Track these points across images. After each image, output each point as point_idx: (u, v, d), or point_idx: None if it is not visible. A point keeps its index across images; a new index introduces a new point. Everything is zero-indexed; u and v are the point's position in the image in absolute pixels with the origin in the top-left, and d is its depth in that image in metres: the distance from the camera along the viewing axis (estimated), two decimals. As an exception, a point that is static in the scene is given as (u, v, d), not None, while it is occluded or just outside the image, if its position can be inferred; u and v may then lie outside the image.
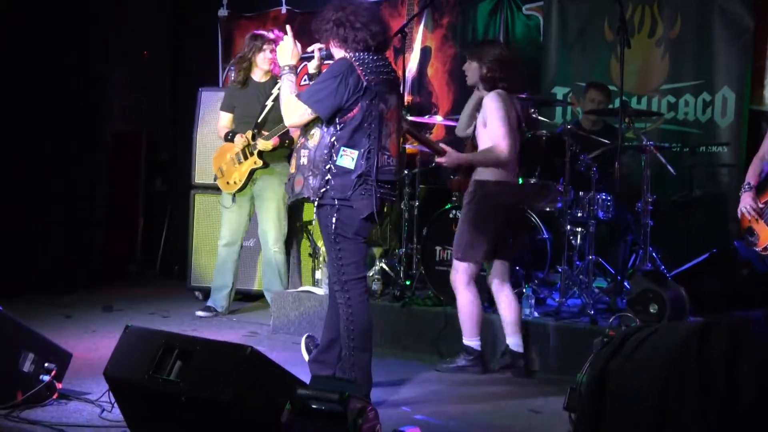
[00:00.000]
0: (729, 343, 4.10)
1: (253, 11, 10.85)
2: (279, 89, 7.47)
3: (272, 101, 8.27)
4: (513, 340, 6.77)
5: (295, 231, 8.95)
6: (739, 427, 3.93)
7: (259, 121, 8.34)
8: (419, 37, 9.81)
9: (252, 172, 8.36)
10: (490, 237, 6.61)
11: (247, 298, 9.24)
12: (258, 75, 8.48)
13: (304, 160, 5.51)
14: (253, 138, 8.29)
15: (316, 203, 5.50)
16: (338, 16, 5.62)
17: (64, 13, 9.86)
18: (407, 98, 9.40)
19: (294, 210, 8.78)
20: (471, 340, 6.79)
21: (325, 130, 5.45)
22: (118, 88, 11.21)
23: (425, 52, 9.80)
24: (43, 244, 9.81)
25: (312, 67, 5.84)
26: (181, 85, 11.38)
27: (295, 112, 5.48)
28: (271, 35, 8.46)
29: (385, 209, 5.95)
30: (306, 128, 5.54)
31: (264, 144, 8.19)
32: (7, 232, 9.40)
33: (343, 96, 5.39)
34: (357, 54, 5.50)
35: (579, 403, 4.57)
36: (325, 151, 5.42)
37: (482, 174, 6.62)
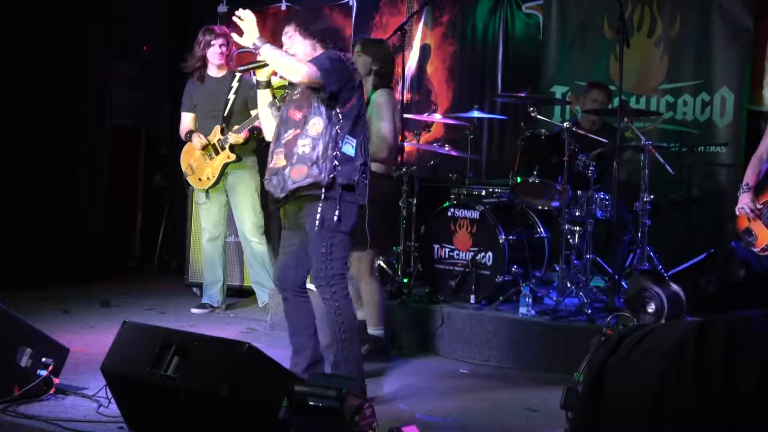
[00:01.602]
0: (726, 343, 4.11)
1: (252, 7, 10.78)
2: (238, 82, 7.45)
3: (233, 94, 8.32)
4: (375, 328, 6.93)
5: (276, 224, 8.96)
6: (736, 426, 3.93)
7: (225, 115, 8.35)
8: (419, 34, 9.81)
9: (225, 166, 8.37)
10: (382, 226, 6.80)
11: (239, 294, 9.20)
12: (213, 70, 8.48)
13: (305, 149, 5.47)
14: (223, 132, 8.29)
15: (322, 195, 5.46)
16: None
17: (64, 7, 9.85)
18: (407, 96, 9.41)
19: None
20: (377, 329, 6.93)
21: (327, 119, 5.47)
22: (118, 82, 11.19)
23: (425, 50, 9.81)
24: (41, 239, 9.81)
25: (263, 74, 5.79)
26: (180, 80, 11.34)
27: (301, 69, 5.41)
28: (217, 29, 8.46)
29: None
30: (304, 119, 5.53)
31: (236, 137, 8.20)
32: (6, 227, 9.40)
33: (342, 80, 5.47)
34: (343, 53, 5.64)
35: (576, 401, 4.57)
36: (330, 139, 5.44)
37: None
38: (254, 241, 8.55)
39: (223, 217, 8.66)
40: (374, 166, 6.57)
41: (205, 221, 8.64)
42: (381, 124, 6.76)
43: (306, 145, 5.47)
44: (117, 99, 11.18)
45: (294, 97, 5.68)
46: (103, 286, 9.80)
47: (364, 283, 6.89)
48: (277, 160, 5.60)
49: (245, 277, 9.14)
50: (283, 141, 5.59)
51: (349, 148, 5.49)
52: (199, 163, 8.45)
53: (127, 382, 4.75)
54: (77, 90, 10.08)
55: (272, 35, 9.72)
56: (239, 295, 9.21)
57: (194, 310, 8.54)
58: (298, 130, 5.52)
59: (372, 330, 6.93)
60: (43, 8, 9.63)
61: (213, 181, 8.43)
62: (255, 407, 4.37)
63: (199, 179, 8.48)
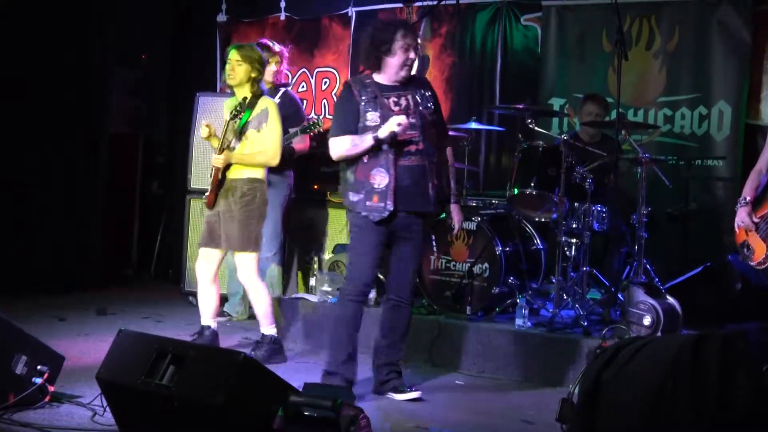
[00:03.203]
0: (722, 355, 4.12)
1: (252, 17, 10.85)
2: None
3: None
4: (270, 328, 7.14)
5: (291, 238, 8.95)
6: (734, 434, 3.95)
7: None
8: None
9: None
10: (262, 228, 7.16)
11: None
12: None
13: None
14: None
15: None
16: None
17: (64, 14, 9.87)
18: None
19: (290, 217, 8.78)
20: (270, 328, 7.12)
21: None
22: (117, 90, 11.20)
23: (423, 61, 9.80)
24: (38, 246, 9.81)
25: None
26: (179, 88, 11.38)
27: None
28: (276, 47, 8.53)
29: None
30: None
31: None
32: (3, 233, 9.40)
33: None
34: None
35: (571, 413, 4.57)
36: None
37: (253, 173, 7.04)
38: (267, 256, 8.52)
39: None
40: (259, 173, 7.05)
41: None
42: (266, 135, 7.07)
43: None
44: (116, 106, 11.18)
45: None
46: (100, 294, 9.81)
47: (254, 285, 7.07)
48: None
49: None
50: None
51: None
52: None
53: (123, 391, 4.74)
54: (76, 97, 10.07)
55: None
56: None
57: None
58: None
59: (268, 330, 7.12)
60: (42, 15, 9.64)
61: None
62: (250, 417, 4.36)
63: None
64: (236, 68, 7.01)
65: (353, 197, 6.01)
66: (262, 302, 7.11)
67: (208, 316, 7.18)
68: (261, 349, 7.05)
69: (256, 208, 7.04)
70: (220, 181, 6.99)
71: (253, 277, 7.07)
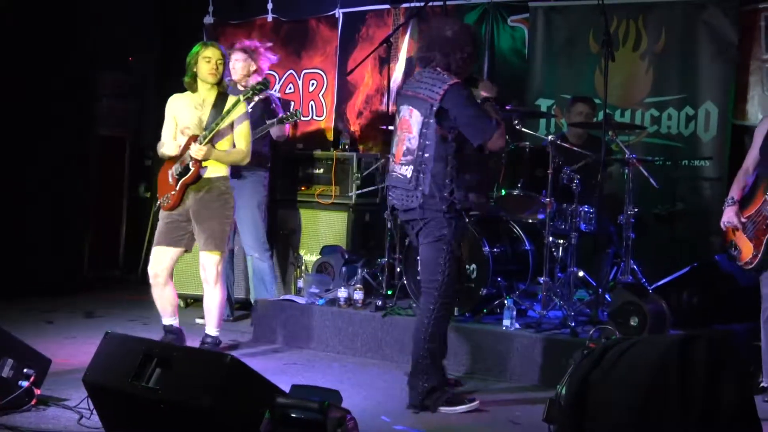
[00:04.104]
0: (710, 356, 4.12)
1: (239, 19, 10.83)
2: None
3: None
4: (218, 330, 7.22)
5: (279, 240, 8.94)
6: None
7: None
8: (405, 46, 9.81)
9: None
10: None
11: (245, 307, 9.12)
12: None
13: None
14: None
15: None
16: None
17: (51, 17, 9.84)
18: (392, 108, 9.40)
19: (277, 219, 8.77)
20: (217, 330, 7.20)
21: None
22: (104, 92, 11.17)
23: (411, 62, 9.80)
24: (26, 249, 9.79)
25: None
26: (166, 91, 11.31)
27: None
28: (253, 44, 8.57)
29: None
30: None
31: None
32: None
33: None
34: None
35: (559, 414, 4.57)
36: None
37: (225, 171, 7.11)
38: (255, 257, 8.54)
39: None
40: (226, 170, 7.13)
41: None
42: (240, 133, 7.15)
43: None
44: (103, 109, 11.16)
45: None
46: (87, 296, 9.78)
47: (215, 285, 7.09)
48: None
49: (246, 289, 9.04)
50: None
51: None
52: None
53: (109, 394, 4.74)
54: (64, 100, 10.06)
55: (259, 47, 9.74)
56: (245, 308, 9.11)
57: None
58: None
59: (214, 332, 7.18)
60: (30, 18, 9.62)
61: None
62: (237, 419, 4.36)
63: None
64: (219, 67, 7.01)
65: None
66: (217, 304, 7.14)
67: (169, 315, 7.18)
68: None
69: (231, 207, 7.12)
70: (195, 178, 6.97)
71: (219, 277, 7.09)
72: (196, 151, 6.89)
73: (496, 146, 6.16)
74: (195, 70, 7.05)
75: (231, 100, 7.05)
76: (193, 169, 6.95)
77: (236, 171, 8.32)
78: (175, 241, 7.06)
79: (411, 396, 5.97)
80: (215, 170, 7.02)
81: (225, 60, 7.12)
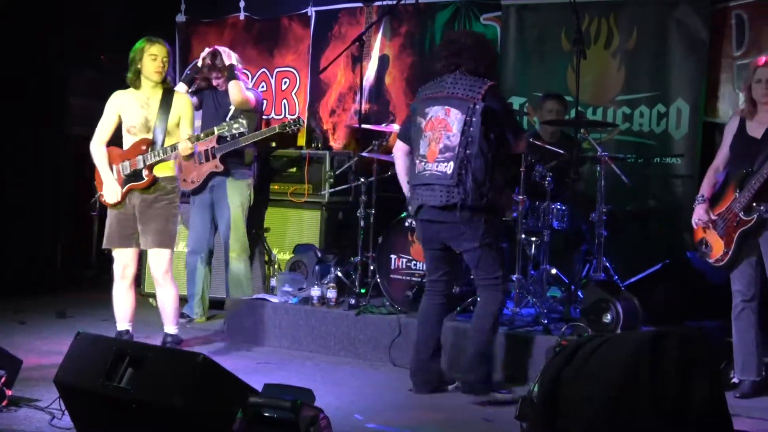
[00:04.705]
0: (681, 353, 4.14)
1: (211, 17, 10.81)
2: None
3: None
4: (173, 328, 7.19)
5: (252, 238, 8.91)
6: (691, 433, 3.97)
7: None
8: (377, 45, 9.81)
9: (211, 175, 8.38)
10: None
11: (214, 306, 9.07)
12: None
13: None
14: (219, 141, 8.26)
15: None
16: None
17: (22, 16, 9.79)
18: (365, 106, 9.40)
19: (251, 217, 8.76)
20: (175, 327, 7.19)
21: None
22: (76, 91, 11.11)
23: (383, 61, 9.81)
24: (-1, 248, 9.76)
25: None
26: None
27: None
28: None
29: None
30: None
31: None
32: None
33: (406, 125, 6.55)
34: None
35: (531, 412, 4.58)
36: None
37: (168, 171, 7.04)
38: (232, 257, 8.52)
39: (208, 232, 8.62)
40: (171, 170, 7.05)
41: (189, 234, 8.62)
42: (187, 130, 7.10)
43: None
44: (76, 108, 11.09)
45: None
46: (60, 296, 9.72)
47: (167, 282, 7.08)
48: None
49: (224, 289, 9.00)
50: None
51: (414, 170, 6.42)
52: (188, 165, 8.31)
53: (81, 394, 4.71)
54: (35, 99, 10.01)
55: (230, 46, 9.70)
56: (214, 306, 9.00)
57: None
58: None
59: (172, 330, 7.15)
60: (2, 18, 9.55)
61: (197, 184, 8.48)
62: (209, 419, 4.34)
63: (184, 180, 8.41)
64: (165, 65, 6.97)
65: None
66: (172, 301, 7.12)
67: (125, 320, 7.10)
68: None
69: (177, 206, 7.09)
70: (147, 186, 6.95)
71: (170, 274, 7.07)
72: (184, 148, 6.87)
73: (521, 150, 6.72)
74: (139, 66, 6.97)
75: (179, 98, 7.08)
76: (146, 179, 6.91)
77: (224, 169, 8.33)
78: (127, 241, 7.00)
79: (469, 383, 6.30)
80: (161, 170, 6.98)
81: (170, 57, 7.05)
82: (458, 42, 6.36)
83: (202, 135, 7.06)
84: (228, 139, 7.99)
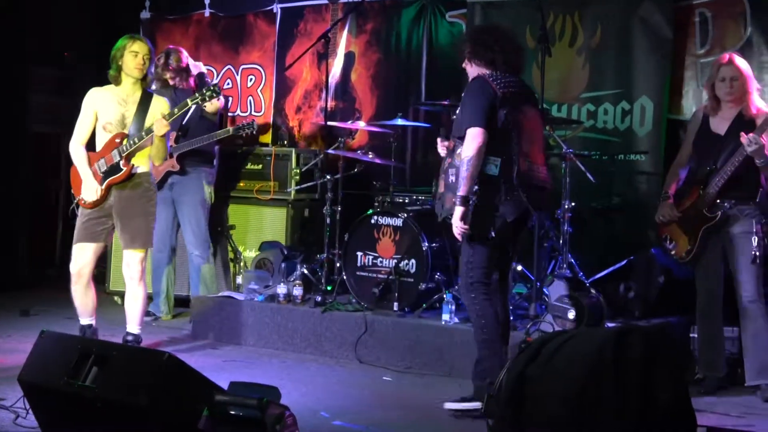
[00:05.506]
0: (645, 348, 4.15)
1: (176, 14, 10.76)
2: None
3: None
4: (137, 328, 7.12)
5: (217, 236, 8.89)
6: (655, 429, 3.98)
7: (182, 123, 8.35)
8: (343, 42, 9.80)
9: (168, 174, 8.36)
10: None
11: (179, 304, 9.04)
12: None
13: (452, 178, 5.81)
14: (177, 140, 8.25)
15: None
16: (478, 39, 6.08)
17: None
18: (331, 103, 9.40)
19: (216, 215, 8.74)
20: (139, 328, 7.11)
21: None
22: (39, 88, 11.05)
23: (349, 57, 9.80)
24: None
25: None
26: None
27: (472, 143, 5.67)
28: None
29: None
30: (453, 147, 5.90)
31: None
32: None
33: (485, 107, 5.74)
34: (490, 71, 5.90)
35: (497, 408, 4.59)
36: None
37: (146, 166, 7.05)
38: (194, 254, 8.51)
39: (170, 231, 8.59)
40: (148, 166, 7.05)
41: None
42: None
43: (453, 174, 5.80)
44: (38, 105, 11.03)
45: None
46: (23, 294, 9.67)
47: (138, 282, 7.03)
48: (440, 186, 6.01)
49: (188, 286, 8.95)
50: (443, 168, 5.97)
51: (492, 167, 5.75)
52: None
53: (45, 393, 4.68)
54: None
55: (195, 43, 9.67)
56: (179, 304, 8.99)
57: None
58: (450, 159, 5.89)
59: (135, 330, 7.09)
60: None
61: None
62: (175, 417, 4.33)
63: None
64: (146, 62, 6.94)
65: None
66: (140, 302, 7.08)
67: (87, 315, 7.09)
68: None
69: (154, 204, 7.09)
70: (126, 178, 6.92)
71: (142, 275, 7.05)
72: (159, 128, 6.78)
73: None
74: (120, 63, 6.94)
75: (158, 101, 7.06)
76: (124, 169, 6.86)
77: (181, 167, 8.30)
78: (96, 237, 6.97)
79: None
80: (138, 162, 6.96)
81: (151, 55, 7.03)
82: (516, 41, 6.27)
83: (176, 110, 6.96)
84: (204, 107, 8.10)
